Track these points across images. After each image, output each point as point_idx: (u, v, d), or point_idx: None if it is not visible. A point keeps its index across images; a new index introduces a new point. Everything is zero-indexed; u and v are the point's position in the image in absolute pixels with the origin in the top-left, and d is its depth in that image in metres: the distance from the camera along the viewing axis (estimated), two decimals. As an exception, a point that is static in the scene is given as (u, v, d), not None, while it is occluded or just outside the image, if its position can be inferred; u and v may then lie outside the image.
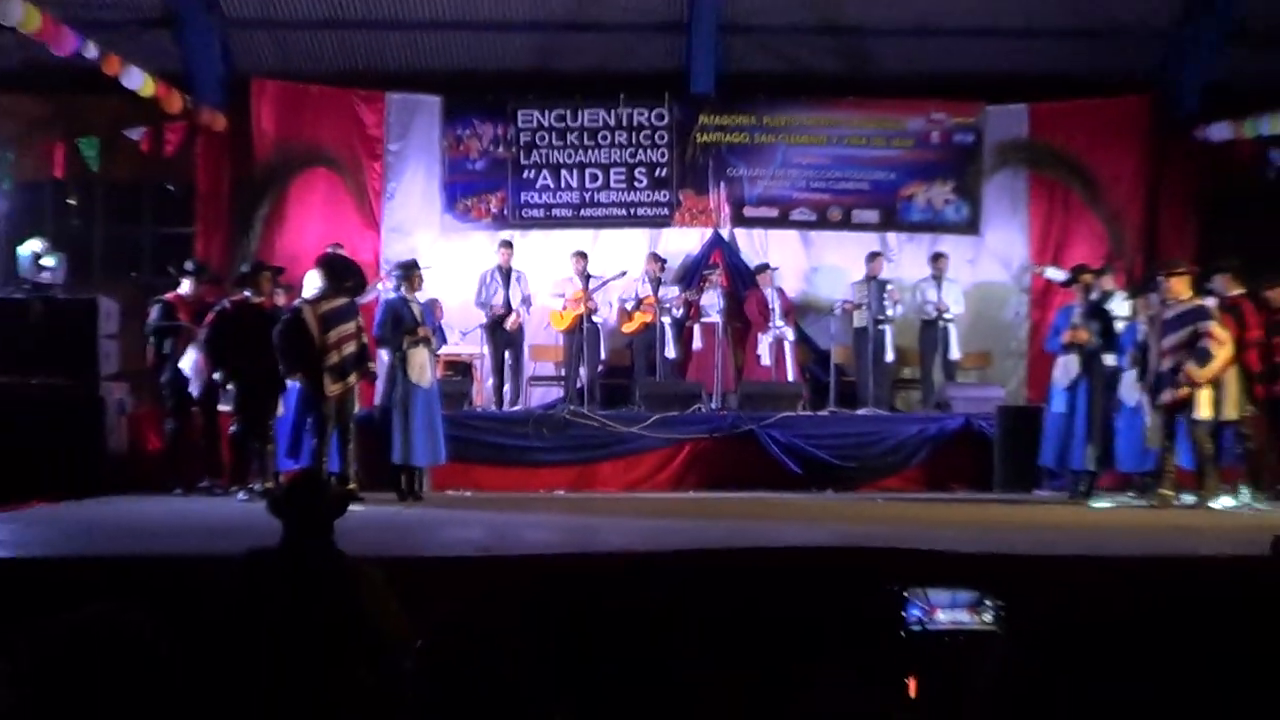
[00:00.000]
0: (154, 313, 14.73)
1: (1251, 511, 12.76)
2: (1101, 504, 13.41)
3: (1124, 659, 2.63)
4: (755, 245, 19.08)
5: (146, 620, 3.39)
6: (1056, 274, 17.39)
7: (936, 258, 18.14)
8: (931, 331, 17.71)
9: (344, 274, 13.77)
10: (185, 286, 14.98)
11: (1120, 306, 14.92)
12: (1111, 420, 13.74)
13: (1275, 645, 3.20)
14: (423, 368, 13.71)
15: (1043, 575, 7.35)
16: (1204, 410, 12.88)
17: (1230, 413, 13.27)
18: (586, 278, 17.34)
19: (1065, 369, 13.72)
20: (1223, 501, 13.01)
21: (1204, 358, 12.72)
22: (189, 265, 15.41)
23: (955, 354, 17.81)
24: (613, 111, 19.00)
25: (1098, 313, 13.87)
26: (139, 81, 16.68)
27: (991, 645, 5.40)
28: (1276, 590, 3.85)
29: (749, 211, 19.10)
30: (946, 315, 17.65)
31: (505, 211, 18.90)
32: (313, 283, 13.60)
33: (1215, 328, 12.79)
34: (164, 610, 3.53)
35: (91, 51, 15.83)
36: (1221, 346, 12.80)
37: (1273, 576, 3.77)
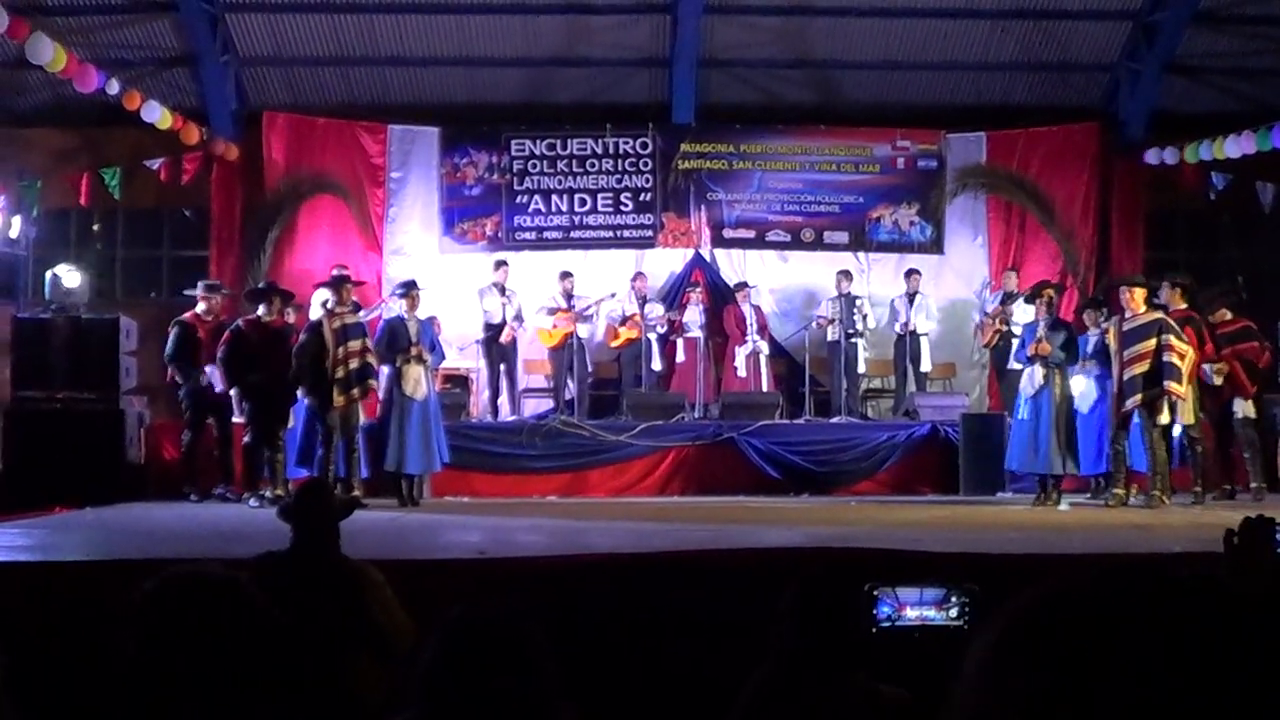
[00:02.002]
0: (172, 336, 14.57)
1: (1200, 510, 12.70)
2: (1066, 505, 13.35)
3: (1092, 654, 2.50)
4: (734, 264, 19.05)
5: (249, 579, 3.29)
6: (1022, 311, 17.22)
7: (909, 275, 18.06)
8: (903, 345, 17.65)
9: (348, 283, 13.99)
10: (201, 306, 14.83)
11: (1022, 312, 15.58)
12: (1074, 427, 13.61)
13: (1229, 638, 3.03)
14: (417, 382, 13.65)
15: (1011, 573, 7.26)
16: (1164, 416, 12.80)
17: (1186, 419, 13.23)
18: (570, 297, 17.31)
19: (1030, 379, 13.60)
20: (1174, 501, 12.97)
21: (1174, 373, 12.62)
22: (200, 285, 15.28)
23: (926, 366, 17.76)
24: (600, 141, 18.98)
25: (1060, 325, 13.78)
26: (158, 115, 16.70)
27: (960, 642, 5.32)
28: (1231, 583, 3.67)
29: (728, 233, 19.08)
30: (918, 331, 17.58)
31: (500, 234, 18.86)
32: (320, 300, 13.55)
33: (1174, 339, 12.70)
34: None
35: (114, 88, 15.87)
36: (1183, 357, 12.72)
37: (1227, 569, 3.64)
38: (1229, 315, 14.34)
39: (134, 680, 3.04)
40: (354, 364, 13.05)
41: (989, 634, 1.26)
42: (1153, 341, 12.69)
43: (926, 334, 17.76)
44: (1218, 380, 13.91)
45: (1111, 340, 13.08)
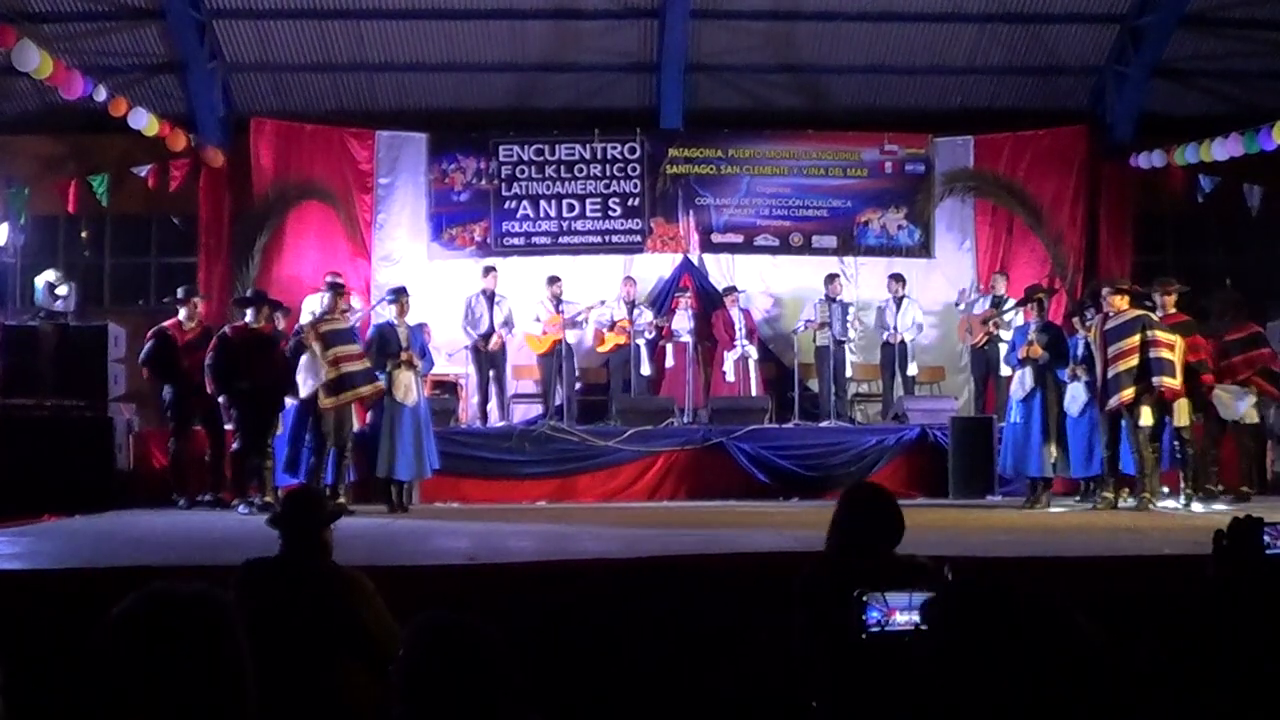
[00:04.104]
0: (149, 344, 14.46)
1: (1189, 513, 12.66)
2: (1059, 508, 13.37)
3: (1076, 655, 2.52)
4: (723, 269, 19.04)
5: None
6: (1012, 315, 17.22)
7: (893, 279, 18.06)
8: (890, 349, 17.65)
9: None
10: (181, 314, 14.71)
11: (1015, 317, 15.85)
12: (1064, 429, 13.60)
13: (1220, 641, 3.09)
14: (408, 388, 13.67)
15: (1000, 577, 7.26)
16: (1145, 418, 12.79)
17: (1180, 420, 13.18)
18: (559, 302, 17.34)
19: (1021, 382, 13.62)
20: (1165, 504, 12.95)
21: (1165, 368, 12.60)
22: (180, 292, 15.14)
23: (913, 370, 17.76)
24: (588, 146, 18.98)
25: (1048, 328, 13.78)
26: (145, 122, 16.69)
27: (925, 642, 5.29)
28: (1221, 586, 3.76)
29: (716, 238, 19.09)
30: (905, 336, 17.58)
31: (488, 240, 18.85)
32: (311, 306, 13.52)
33: (1160, 333, 12.70)
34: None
35: (101, 95, 15.84)
36: (1172, 348, 12.71)
37: (1218, 572, 3.67)
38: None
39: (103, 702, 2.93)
40: (348, 367, 13.08)
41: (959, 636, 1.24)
42: (1136, 338, 12.67)
43: (913, 338, 17.77)
44: (1251, 400, 13.98)
45: (1093, 339, 13.06)
